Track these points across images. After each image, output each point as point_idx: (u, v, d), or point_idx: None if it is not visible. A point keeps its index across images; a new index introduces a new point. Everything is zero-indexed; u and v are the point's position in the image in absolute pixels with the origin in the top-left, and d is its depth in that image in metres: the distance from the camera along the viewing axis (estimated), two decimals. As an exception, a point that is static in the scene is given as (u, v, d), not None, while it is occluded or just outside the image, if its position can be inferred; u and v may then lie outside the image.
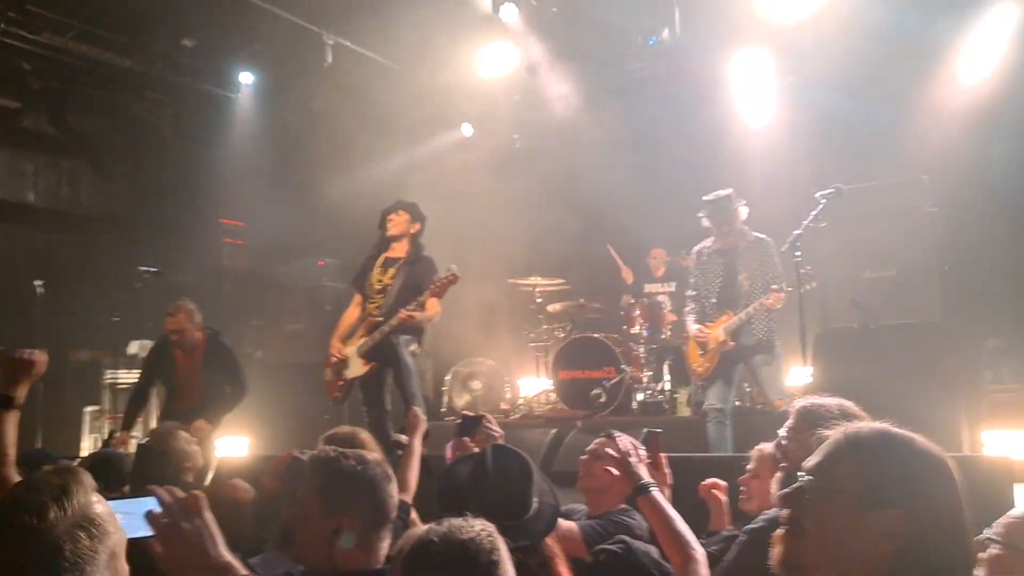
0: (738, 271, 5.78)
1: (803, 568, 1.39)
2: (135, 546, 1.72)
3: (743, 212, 5.79)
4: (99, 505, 1.47)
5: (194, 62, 8.97)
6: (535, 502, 2.41)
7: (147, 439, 3.47)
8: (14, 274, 8.05)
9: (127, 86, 9.08)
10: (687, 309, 6.10)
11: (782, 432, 2.89)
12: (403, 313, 5.64)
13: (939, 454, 1.39)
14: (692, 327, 5.95)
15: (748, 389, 6.80)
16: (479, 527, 1.69)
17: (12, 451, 2.84)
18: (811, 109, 7.78)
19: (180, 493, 1.69)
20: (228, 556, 1.69)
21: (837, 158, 7.26)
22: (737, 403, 6.26)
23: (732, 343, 5.67)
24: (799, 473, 1.44)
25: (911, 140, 7.14)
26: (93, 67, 8.58)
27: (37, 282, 7.53)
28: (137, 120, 9.63)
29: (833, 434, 1.43)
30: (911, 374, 6.07)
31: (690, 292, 6.11)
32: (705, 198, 5.86)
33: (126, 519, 1.75)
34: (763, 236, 5.77)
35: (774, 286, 5.48)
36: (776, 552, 1.43)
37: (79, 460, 4.98)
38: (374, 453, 2.36)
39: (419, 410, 4.01)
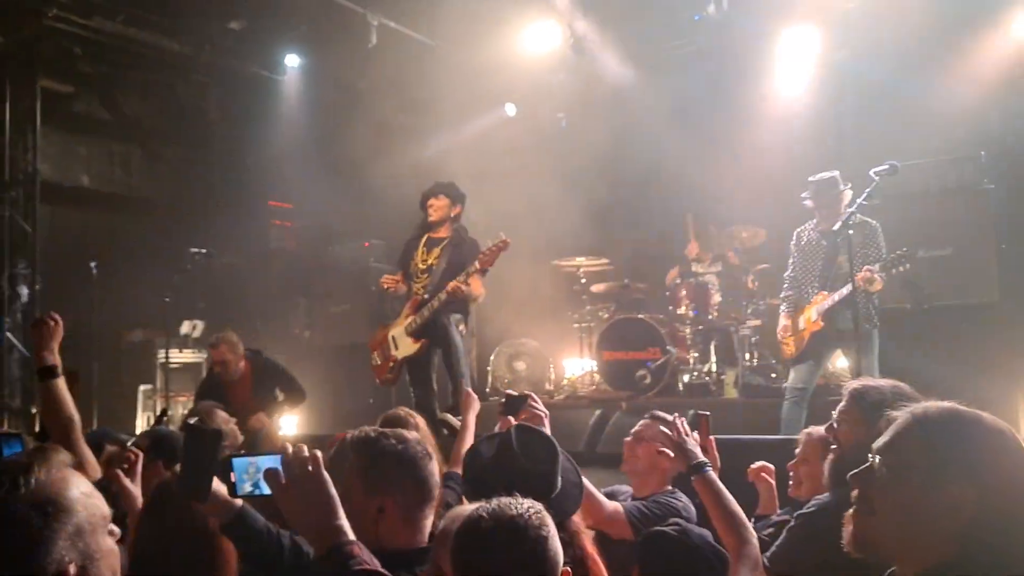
0: (839, 254, 5.52)
1: (874, 546, 1.42)
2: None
3: (847, 195, 5.57)
4: (71, 487, 1.45)
5: (241, 45, 9.07)
6: (560, 481, 2.42)
7: (193, 419, 3.57)
8: (70, 256, 8.26)
9: (176, 69, 9.22)
10: (782, 295, 5.96)
11: (835, 415, 2.83)
12: (452, 284, 5.65)
13: (1008, 430, 1.39)
14: (780, 323, 5.86)
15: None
16: (527, 504, 1.71)
17: (76, 416, 2.94)
18: (862, 84, 7.59)
19: (305, 452, 1.71)
20: (341, 520, 1.70)
21: (890, 134, 7.07)
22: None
23: (821, 323, 5.50)
24: (869, 455, 1.45)
25: (967, 115, 6.93)
26: (143, 51, 8.72)
27: (92, 263, 7.71)
28: (186, 103, 9.80)
29: (901, 414, 1.45)
30: (966, 355, 5.95)
31: (788, 274, 5.93)
32: (810, 179, 5.70)
33: (254, 476, 1.81)
34: (869, 219, 5.51)
35: (867, 267, 5.21)
36: (847, 531, 1.47)
37: (133, 438, 5.11)
38: (415, 433, 2.37)
39: (470, 389, 4.02)
